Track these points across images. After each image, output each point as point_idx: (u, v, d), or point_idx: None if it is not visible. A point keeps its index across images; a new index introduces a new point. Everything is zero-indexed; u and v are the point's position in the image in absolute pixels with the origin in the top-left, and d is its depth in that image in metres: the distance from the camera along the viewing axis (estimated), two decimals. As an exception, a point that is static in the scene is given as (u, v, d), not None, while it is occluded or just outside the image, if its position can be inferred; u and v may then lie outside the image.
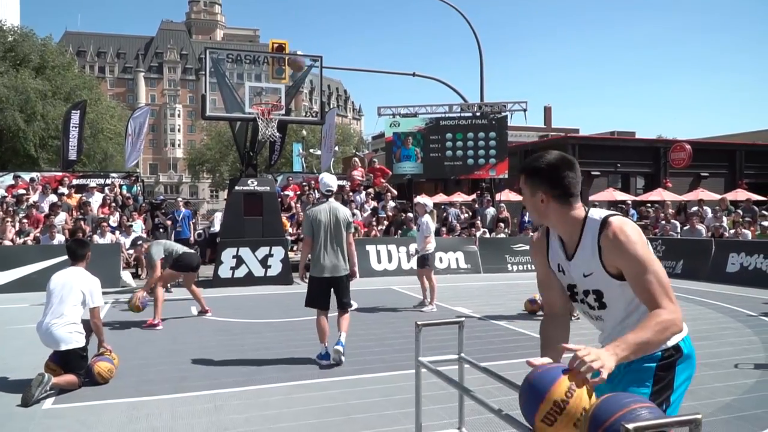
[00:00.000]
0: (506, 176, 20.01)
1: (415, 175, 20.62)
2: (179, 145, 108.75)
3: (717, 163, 27.99)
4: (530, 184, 2.05)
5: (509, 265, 14.91)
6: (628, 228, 1.92)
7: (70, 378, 5.00)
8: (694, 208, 17.25)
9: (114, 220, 14.15)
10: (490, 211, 18.07)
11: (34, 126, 31.23)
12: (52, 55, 39.43)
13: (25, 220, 13.36)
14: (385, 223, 15.76)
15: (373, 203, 16.93)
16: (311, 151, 38.34)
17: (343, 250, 5.94)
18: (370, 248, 14.01)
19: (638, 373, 1.99)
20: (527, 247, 15.04)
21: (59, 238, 12.65)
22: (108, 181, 16.09)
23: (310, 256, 6.00)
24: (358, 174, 17.67)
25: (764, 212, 15.18)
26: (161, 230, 13.46)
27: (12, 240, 12.89)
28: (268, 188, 12.30)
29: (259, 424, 4.24)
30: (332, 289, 5.95)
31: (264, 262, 12.00)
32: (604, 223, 1.95)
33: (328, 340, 5.97)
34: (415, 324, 3.01)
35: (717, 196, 22.87)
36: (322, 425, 4.23)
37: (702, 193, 23.72)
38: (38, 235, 13.07)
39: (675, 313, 1.83)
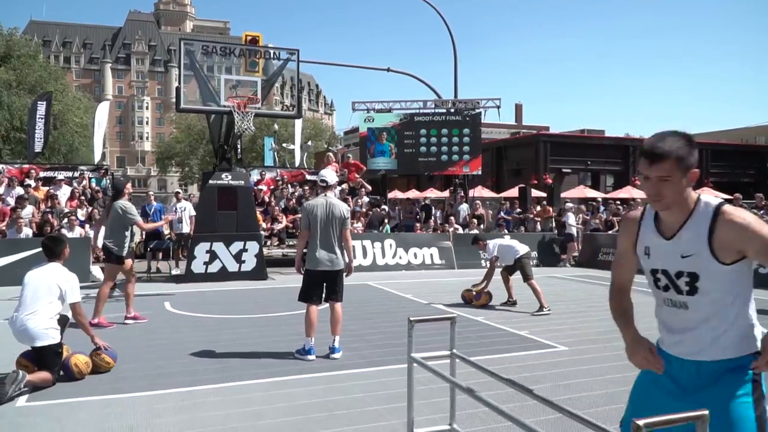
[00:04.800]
0: (480, 173, 20.13)
1: (389, 171, 20.61)
2: (147, 138, 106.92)
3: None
4: (686, 164, 1.99)
5: (483, 261, 15.01)
6: (745, 213, 2.00)
7: (44, 375, 4.87)
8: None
9: (83, 214, 13.84)
10: (464, 207, 18.19)
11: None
12: (18, 45, 38.40)
13: (-10, 213, 12.96)
14: (362, 219, 15.73)
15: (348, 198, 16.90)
16: (284, 145, 38.03)
17: (339, 245, 5.95)
18: (345, 244, 13.95)
19: (735, 382, 2.02)
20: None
21: (26, 232, 12.32)
22: (77, 174, 15.70)
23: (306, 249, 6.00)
24: (332, 169, 17.58)
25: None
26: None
27: (-24, 234, 12.51)
28: (243, 182, 12.16)
29: (239, 422, 4.18)
30: (325, 283, 5.97)
31: (238, 257, 11.86)
32: (720, 207, 2.00)
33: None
34: (408, 320, 3.00)
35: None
36: (305, 422, 4.20)
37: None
38: (3, 228, 12.70)
39: None
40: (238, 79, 10.49)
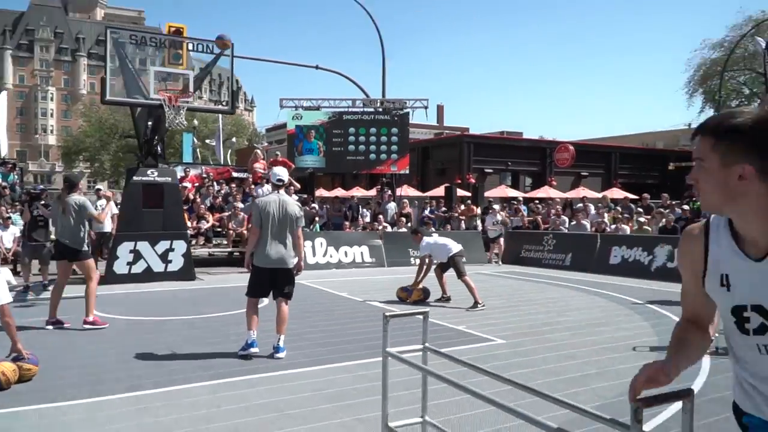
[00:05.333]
0: (407, 172, 20.40)
1: (318, 169, 20.51)
2: (52, 132, 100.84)
3: (595, 163, 30.19)
4: (725, 150, 1.44)
5: (413, 259, 15.22)
6: None
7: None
8: (579, 205, 18.51)
9: (-11, 212, 12.90)
10: (392, 206, 18.38)
11: None
12: None
13: None
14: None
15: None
16: (207, 141, 36.98)
17: (291, 242, 5.93)
18: (275, 242, 13.76)
19: None
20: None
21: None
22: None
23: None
24: (260, 166, 17.30)
25: (639, 209, 16.57)
26: (41, 224, 12.38)
27: None
28: (170, 179, 11.73)
29: (189, 426, 4.06)
30: (275, 281, 5.93)
31: (164, 257, 11.44)
32: None
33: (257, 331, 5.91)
34: (383, 315, 3.02)
35: (596, 194, 24.72)
36: (258, 423, 4.13)
37: (583, 191, 25.53)
38: None
39: None
40: (169, 72, 10.08)
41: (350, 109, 20.22)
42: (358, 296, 10.01)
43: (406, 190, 23.63)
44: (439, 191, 24.09)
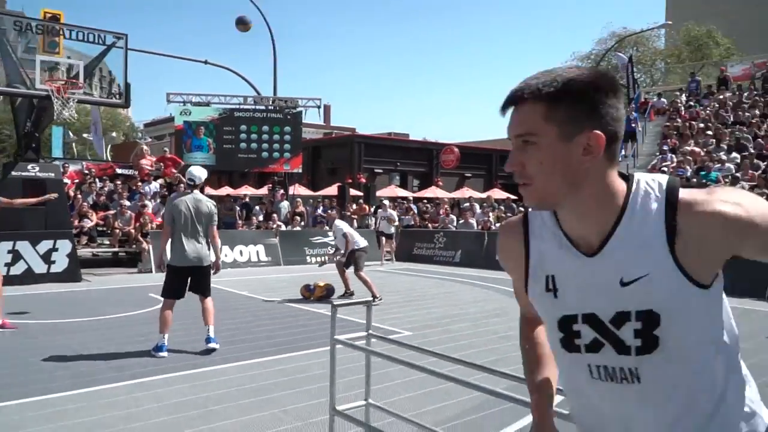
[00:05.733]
0: (300, 171, 20.43)
1: (208, 166, 19.93)
2: None
3: (478, 165, 31.78)
4: (564, 117, 1.10)
5: (308, 257, 15.34)
6: (728, 190, 1.11)
7: None
8: (466, 205, 19.50)
9: None
10: (285, 204, 18.35)
11: None
12: None
13: None
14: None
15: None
16: (85, 135, 34.57)
17: (206, 241, 5.96)
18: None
19: None
20: (326, 240, 15.64)
21: None
22: None
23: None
24: (146, 163, 16.61)
25: (521, 209, 17.78)
26: None
27: None
28: (53, 174, 11.02)
29: (110, 426, 3.98)
30: (191, 279, 5.91)
31: (47, 258, 10.73)
32: (675, 186, 1.13)
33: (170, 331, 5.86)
34: (331, 304, 3.19)
35: (479, 194, 26.07)
36: (183, 420, 4.12)
37: (468, 191, 26.84)
38: None
39: None
40: (57, 62, 9.47)
41: (242, 106, 19.91)
42: (261, 295, 10.00)
43: (298, 189, 23.59)
44: (331, 190, 24.31)
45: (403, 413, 3.25)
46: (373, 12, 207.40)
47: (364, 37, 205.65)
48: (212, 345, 5.88)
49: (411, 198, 21.58)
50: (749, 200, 1.07)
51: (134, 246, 14.07)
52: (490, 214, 17.79)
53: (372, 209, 19.33)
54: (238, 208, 17.95)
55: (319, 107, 19.95)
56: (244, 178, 31.23)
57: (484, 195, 25.39)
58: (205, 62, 21.27)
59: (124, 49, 10.47)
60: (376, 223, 17.48)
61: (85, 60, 9.83)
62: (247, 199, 19.69)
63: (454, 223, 17.90)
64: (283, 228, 16.31)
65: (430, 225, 17.92)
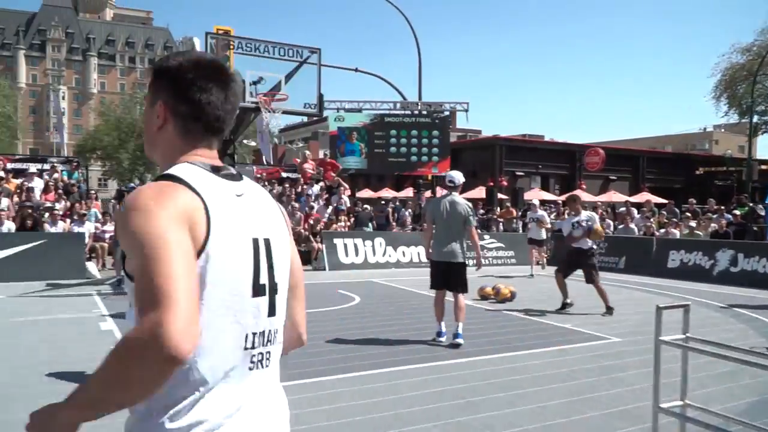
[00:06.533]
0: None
1: (359, 170, 20.76)
2: (65, 129, 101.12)
3: (623, 167, 30.44)
4: (150, 88, 1.34)
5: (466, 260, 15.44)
6: (136, 193, 1.16)
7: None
8: (622, 209, 18.77)
9: (61, 207, 13.15)
10: (433, 207, 18.60)
11: None
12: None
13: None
14: (343, 217, 15.81)
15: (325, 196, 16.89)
16: (245, 142, 37.21)
17: (459, 239, 6.39)
18: (338, 242, 14.02)
19: None
20: (482, 243, 15.68)
21: (8, 226, 11.60)
22: (47, 166, 14.85)
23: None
24: (309, 167, 17.55)
25: (687, 214, 16.81)
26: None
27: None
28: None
29: (384, 409, 4.28)
30: (447, 273, 6.41)
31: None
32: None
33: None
34: (656, 307, 3.25)
35: (625, 198, 24.96)
36: (447, 408, 4.35)
37: (615, 195, 25.80)
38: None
39: (151, 328, 0.99)
40: (261, 76, 10.32)
41: (392, 111, 20.48)
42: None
43: (440, 192, 23.85)
44: (474, 193, 24.36)
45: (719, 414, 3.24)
46: (497, 15, 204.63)
47: (492, 40, 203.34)
48: (459, 340, 6.29)
49: (560, 201, 21.08)
50: (141, 204, 1.12)
51: (303, 245, 14.93)
52: (651, 219, 17.00)
53: (519, 212, 19.14)
54: (390, 210, 18.54)
55: (466, 110, 20.07)
56: (382, 181, 32.06)
57: (632, 199, 24.33)
58: (356, 70, 22.11)
59: (318, 62, 11.17)
60: (525, 227, 17.27)
61: (281, 73, 10.59)
62: (398, 202, 20.19)
63: (611, 228, 17.31)
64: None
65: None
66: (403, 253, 14.70)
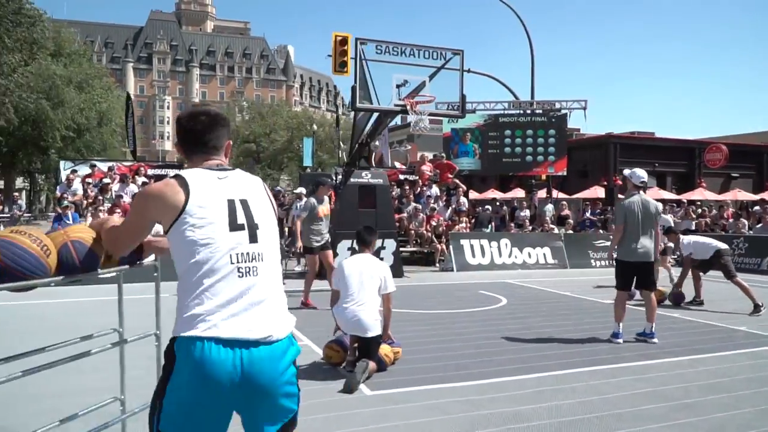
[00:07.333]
0: (565, 174, 20.23)
1: (473, 171, 20.73)
2: (168, 138, 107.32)
3: (745, 163, 28.61)
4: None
5: (593, 261, 15.11)
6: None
7: (373, 365, 5.00)
8: (756, 208, 17.69)
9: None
10: (549, 207, 18.26)
11: (59, 113, 30.53)
12: (66, 42, 38.69)
13: (117, 210, 13.09)
14: (464, 219, 15.83)
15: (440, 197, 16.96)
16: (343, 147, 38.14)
17: (652, 239, 6.36)
18: (464, 243, 14.06)
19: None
20: (608, 243, 15.30)
21: (157, 228, 12.45)
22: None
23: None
24: (426, 169, 17.69)
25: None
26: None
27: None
28: (381, 181, 12.28)
29: (591, 410, 4.27)
30: (638, 274, 6.36)
31: (377, 255, 11.95)
32: None
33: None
34: None
35: (752, 196, 23.46)
36: (663, 410, 4.28)
37: (739, 193, 24.32)
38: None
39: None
40: (406, 79, 10.56)
41: (506, 111, 20.30)
42: (586, 295, 10.09)
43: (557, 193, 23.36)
44: (587, 193, 23.73)
45: None
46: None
47: (593, 35, 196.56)
48: (655, 340, 6.28)
49: (685, 201, 20.11)
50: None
51: (427, 247, 15.10)
52: (793, 218, 15.88)
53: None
54: (505, 209, 18.40)
55: (584, 108, 19.56)
56: (485, 182, 31.79)
57: (752, 197, 22.86)
58: (468, 71, 22.01)
59: (460, 64, 11.30)
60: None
61: (423, 75, 10.77)
62: (515, 203, 19.99)
63: (746, 228, 16.37)
64: (555, 231, 16.26)
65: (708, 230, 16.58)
66: (529, 254, 14.54)
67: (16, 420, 3.91)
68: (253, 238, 1.98)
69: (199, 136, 2.11)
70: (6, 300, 7.88)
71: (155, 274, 3.12)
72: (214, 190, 1.98)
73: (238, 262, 1.92)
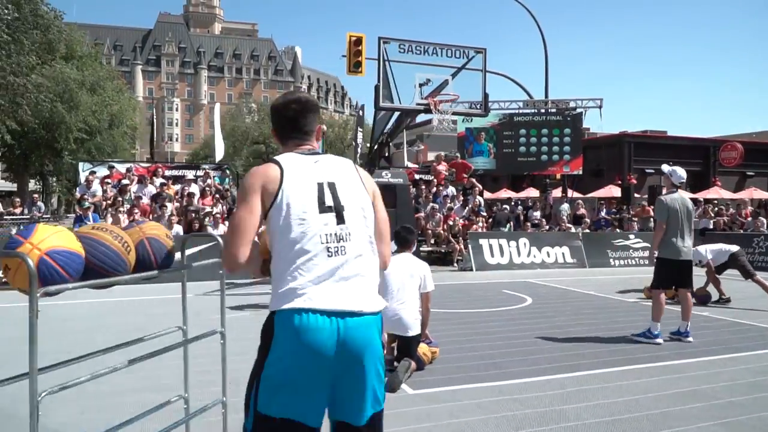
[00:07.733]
0: (581, 172, 20.15)
1: (488, 170, 20.68)
2: (177, 139, 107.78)
3: (760, 162, 28.39)
4: None
5: (611, 260, 15.04)
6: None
7: (414, 364, 4.98)
8: (775, 206, 17.58)
9: (219, 211, 14.00)
10: (565, 207, 18.20)
11: (73, 116, 30.65)
12: (78, 45, 38.82)
13: (136, 211, 13.14)
14: (481, 218, 15.79)
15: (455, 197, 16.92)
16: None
17: (692, 236, 6.41)
18: (483, 242, 14.03)
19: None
20: (627, 242, 15.27)
21: (177, 229, 12.50)
22: (200, 173, 15.89)
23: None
24: (442, 168, 17.66)
25: None
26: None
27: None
28: (401, 180, 12.27)
29: (633, 409, 4.24)
30: (680, 272, 6.31)
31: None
32: None
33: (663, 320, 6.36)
34: None
35: (767, 195, 23.30)
36: (709, 408, 4.25)
37: (756, 192, 24.15)
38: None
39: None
40: (428, 78, 10.55)
41: (521, 111, 20.25)
42: (609, 294, 10.05)
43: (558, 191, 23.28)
44: (601, 192, 23.64)
45: None
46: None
47: (605, 34, 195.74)
48: (690, 339, 6.25)
49: (701, 200, 20.01)
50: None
51: (444, 246, 15.07)
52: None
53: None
54: (520, 209, 18.33)
55: (600, 107, 19.47)
56: (497, 182, 31.73)
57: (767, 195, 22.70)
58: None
59: (483, 63, 11.27)
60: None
61: (445, 73, 10.75)
62: (530, 202, 19.91)
63: (765, 226, 16.29)
64: (573, 230, 16.20)
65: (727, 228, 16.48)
66: (548, 253, 14.49)
67: (80, 417, 3.92)
68: (340, 219, 2.08)
69: (293, 122, 2.23)
70: (44, 300, 7.90)
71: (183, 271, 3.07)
72: (305, 174, 2.09)
73: (327, 242, 2.03)
